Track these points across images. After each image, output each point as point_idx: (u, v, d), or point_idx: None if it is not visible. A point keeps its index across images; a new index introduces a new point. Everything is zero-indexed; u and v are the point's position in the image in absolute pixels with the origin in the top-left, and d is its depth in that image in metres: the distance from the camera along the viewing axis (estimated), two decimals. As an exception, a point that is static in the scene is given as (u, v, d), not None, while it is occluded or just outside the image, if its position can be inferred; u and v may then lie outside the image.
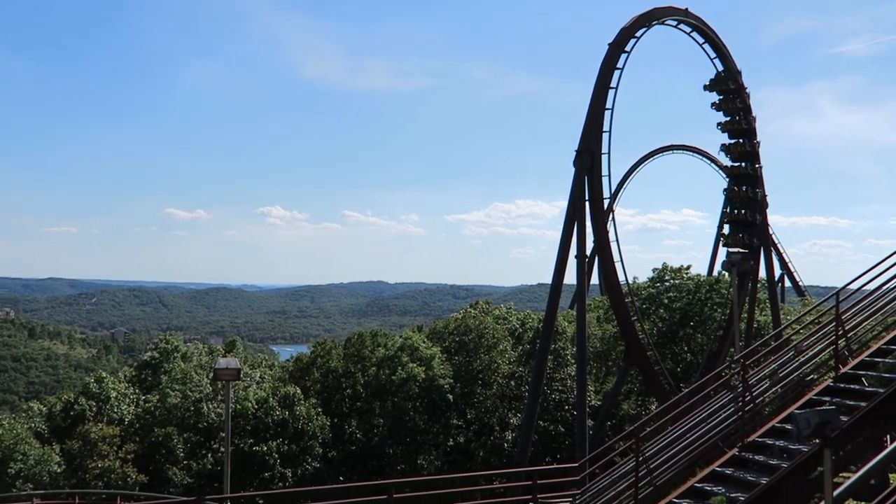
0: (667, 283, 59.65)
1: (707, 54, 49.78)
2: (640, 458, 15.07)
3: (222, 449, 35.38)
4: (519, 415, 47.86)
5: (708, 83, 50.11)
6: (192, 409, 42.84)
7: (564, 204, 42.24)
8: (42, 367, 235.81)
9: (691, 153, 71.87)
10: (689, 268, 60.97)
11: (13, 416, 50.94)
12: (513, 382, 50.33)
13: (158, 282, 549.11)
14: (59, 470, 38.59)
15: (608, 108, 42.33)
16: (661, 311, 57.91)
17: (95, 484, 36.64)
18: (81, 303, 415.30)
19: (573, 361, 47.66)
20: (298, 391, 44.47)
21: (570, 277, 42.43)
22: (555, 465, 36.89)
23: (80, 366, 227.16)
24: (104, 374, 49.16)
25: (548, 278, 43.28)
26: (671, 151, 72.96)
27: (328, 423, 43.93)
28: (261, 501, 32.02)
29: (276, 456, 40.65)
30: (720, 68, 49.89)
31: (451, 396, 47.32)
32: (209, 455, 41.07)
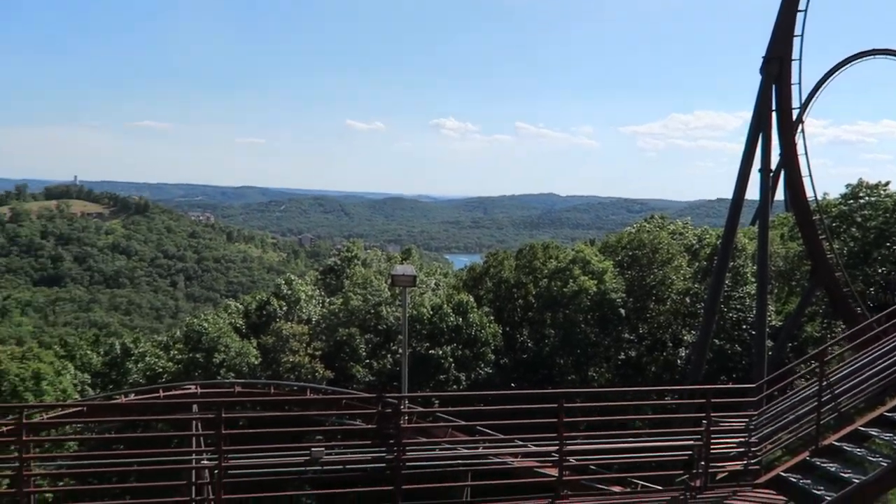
0: (861, 201, 55.23)
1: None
2: (824, 383, 14.50)
3: (400, 350, 37.30)
4: (693, 332, 46.85)
5: None
6: (373, 312, 45.18)
7: (748, 114, 39.69)
8: (239, 268, 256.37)
9: (895, 58, 64.67)
10: (887, 184, 55.91)
11: (216, 311, 55.98)
12: (688, 299, 49.14)
13: (340, 191, 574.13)
14: (256, 362, 42.27)
15: (801, 10, 38.82)
16: (854, 229, 53.94)
17: (287, 376, 39.81)
18: (272, 210, 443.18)
19: (753, 280, 45.68)
20: (472, 299, 45.71)
21: (752, 193, 40.23)
22: (730, 385, 36.09)
23: (271, 268, 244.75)
24: (293, 277, 52.66)
25: (728, 193, 41.26)
26: (871, 56, 65.80)
27: (500, 332, 45.02)
28: (436, 401, 33.61)
29: (451, 360, 42.31)
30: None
31: (622, 310, 46.98)
32: (388, 356, 43.41)
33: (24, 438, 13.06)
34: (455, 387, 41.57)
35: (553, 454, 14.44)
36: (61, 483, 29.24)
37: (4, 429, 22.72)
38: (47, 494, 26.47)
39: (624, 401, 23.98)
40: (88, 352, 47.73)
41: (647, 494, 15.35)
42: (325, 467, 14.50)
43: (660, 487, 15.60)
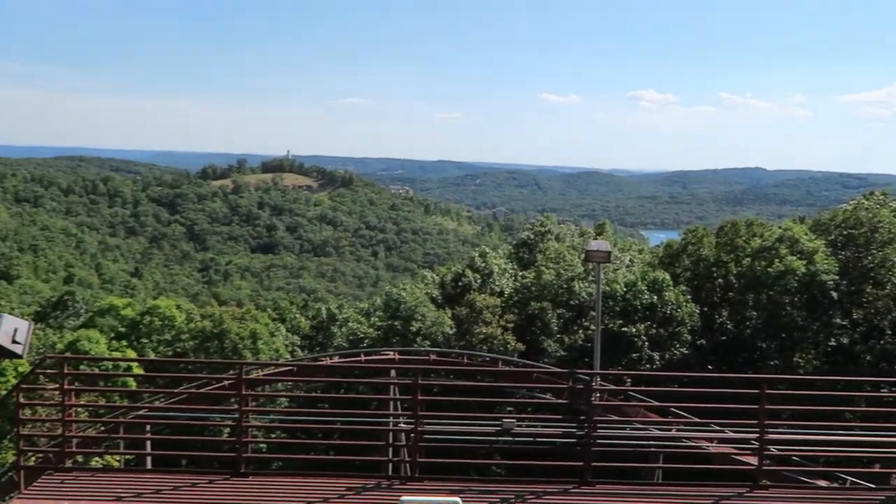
0: None
1: None
2: None
3: (592, 327, 36.93)
4: (918, 320, 42.76)
5: None
6: (565, 286, 45.06)
7: None
8: (435, 240, 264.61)
9: None
10: None
11: (413, 282, 58.15)
12: (912, 283, 44.85)
13: (533, 165, 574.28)
14: (450, 332, 43.54)
15: None
16: None
17: (480, 347, 40.70)
18: (467, 183, 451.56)
19: None
20: (668, 277, 44.38)
21: None
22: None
23: (466, 241, 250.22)
24: (487, 250, 53.57)
25: (968, 167, 36.99)
26: None
27: (697, 311, 43.44)
28: (628, 380, 33.10)
29: (644, 338, 41.40)
30: None
31: (834, 294, 43.71)
32: (580, 331, 43.17)
33: (243, 392, 14.30)
34: (648, 366, 40.69)
35: (752, 442, 13.83)
36: (273, 435, 31.76)
37: (226, 382, 25.01)
38: (261, 445, 28.86)
39: (833, 391, 22.40)
40: (298, 315, 51.33)
41: (858, 492, 14.32)
42: (515, 438, 14.76)
43: (872, 485, 14.50)
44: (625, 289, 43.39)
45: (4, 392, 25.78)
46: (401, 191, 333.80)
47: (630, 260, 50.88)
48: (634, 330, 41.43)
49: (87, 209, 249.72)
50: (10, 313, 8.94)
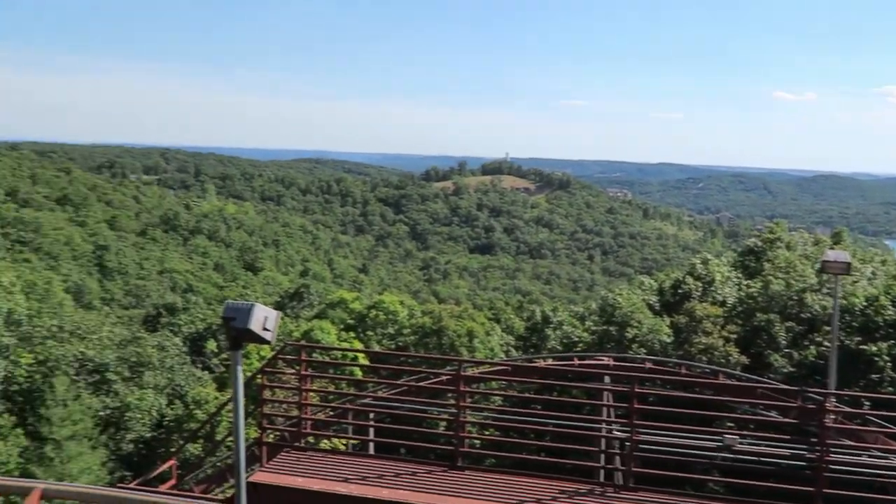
0: None
1: None
2: None
3: (826, 343, 34.26)
4: None
5: None
6: (796, 298, 42.16)
7: None
8: (653, 245, 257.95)
9: None
10: None
11: (630, 287, 57.00)
12: None
13: (763, 168, 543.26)
14: (667, 340, 42.21)
15: None
16: None
17: (699, 358, 39.07)
18: (689, 187, 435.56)
19: None
20: (917, 292, 40.22)
21: None
22: None
23: (687, 247, 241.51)
24: (709, 257, 51.33)
25: None
26: None
27: (953, 332, 38.97)
28: (867, 403, 30.35)
29: (888, 358, 37.80)
30: None
31: None
32: (811, 347, 40.21)
33: (460, 388, 14.83)
34: (891, 389, 37.10)
35: None
36: (487, 432, 32.51)
37: (444, 378, 25.94)
38: (476, 441, 29.66)
39: None
40: (513, 316, 52.06)
41: None
42: (736, 456, 14.11)
43: None
44: (865, 303, 39.87)
45: (249, 374, 28.42)
46: (619, 194, 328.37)
47: (872, 272, 46.59)
48: (875, 349, 37.92)
49: (322, 208, 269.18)
50: (257, 302, 9.94)
